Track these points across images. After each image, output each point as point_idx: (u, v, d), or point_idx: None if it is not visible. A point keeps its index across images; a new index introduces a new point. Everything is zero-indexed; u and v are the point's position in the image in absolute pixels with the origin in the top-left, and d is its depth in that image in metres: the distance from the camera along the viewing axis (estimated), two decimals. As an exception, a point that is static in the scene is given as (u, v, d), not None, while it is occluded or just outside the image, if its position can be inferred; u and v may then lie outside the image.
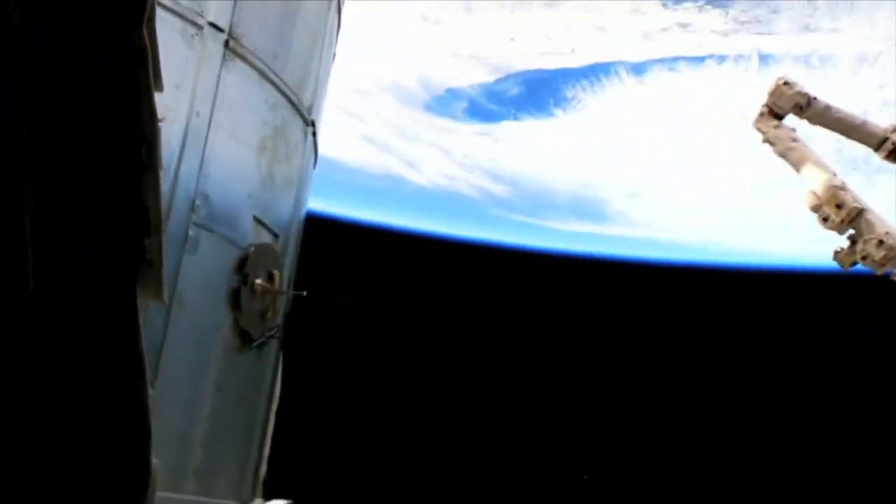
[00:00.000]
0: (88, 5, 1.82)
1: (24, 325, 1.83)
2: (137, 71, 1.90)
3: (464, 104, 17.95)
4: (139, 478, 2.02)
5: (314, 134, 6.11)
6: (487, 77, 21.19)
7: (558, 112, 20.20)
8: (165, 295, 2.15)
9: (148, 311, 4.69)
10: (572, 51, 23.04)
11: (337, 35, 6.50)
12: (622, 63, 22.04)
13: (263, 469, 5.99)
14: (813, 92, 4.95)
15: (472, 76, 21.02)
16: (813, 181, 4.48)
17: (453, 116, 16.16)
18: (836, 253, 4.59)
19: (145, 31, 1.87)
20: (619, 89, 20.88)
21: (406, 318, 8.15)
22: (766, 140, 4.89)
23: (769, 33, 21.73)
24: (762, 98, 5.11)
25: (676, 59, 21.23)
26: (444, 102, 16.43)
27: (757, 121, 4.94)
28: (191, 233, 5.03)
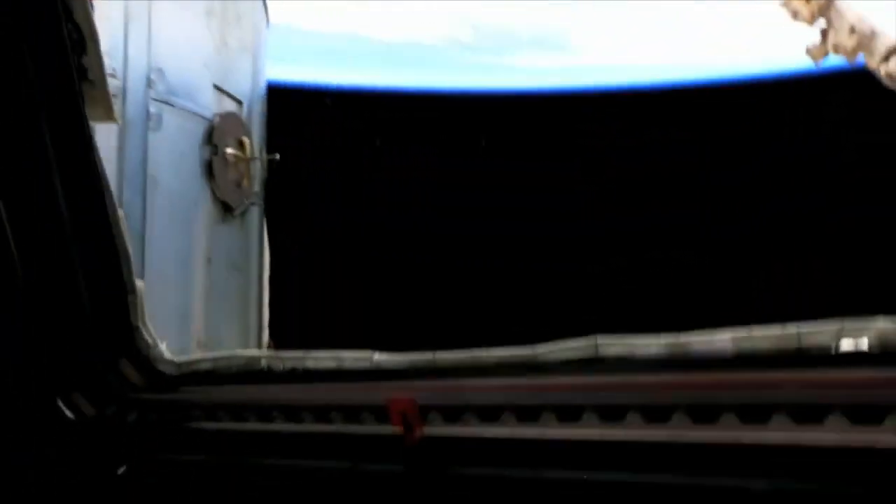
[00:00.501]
0: None
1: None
2: None
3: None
4: (119, 294, 2.07)
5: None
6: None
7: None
8: (116, 114, 2.13)
9: (124, 194, 4.72)
10: None
11: None
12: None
13: (266, 335, 6.18)
14: None
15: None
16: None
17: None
18: (808, 49, 4.54)
19: None
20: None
21: (381, 178, 8.17)
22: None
23: None
24: None
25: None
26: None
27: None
28: (151, 109, 4.97)
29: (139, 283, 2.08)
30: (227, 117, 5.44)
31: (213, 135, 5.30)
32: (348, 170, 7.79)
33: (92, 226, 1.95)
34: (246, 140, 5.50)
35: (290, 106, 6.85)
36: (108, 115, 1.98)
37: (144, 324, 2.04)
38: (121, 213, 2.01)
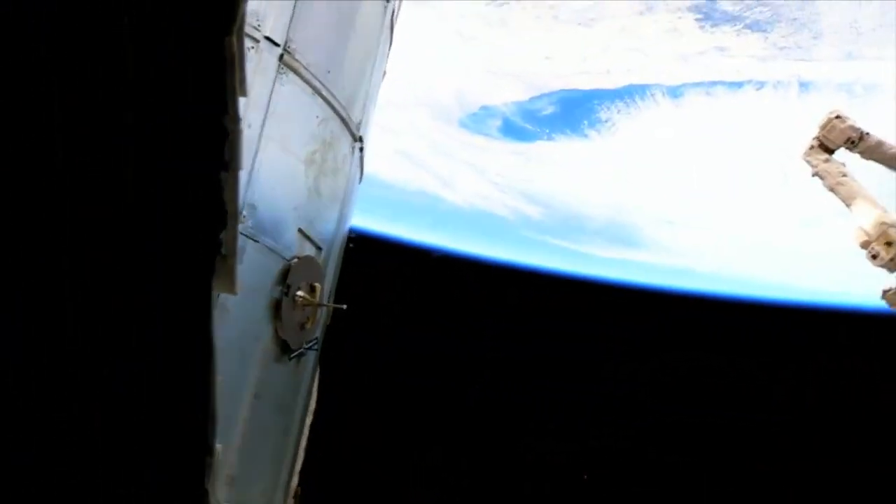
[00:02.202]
0: (185, 14, 1.97)
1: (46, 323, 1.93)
2: (226, 76, 2.04)
3: (498, 122, 18.09)
4: (199, 460, 2.13)
5: (361, 150, 6.25)
6: (522, 95, 21.25)
7: (592, 133, 20.23)
8: (237, 286, 2.29)
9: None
10: (608, 71, 23.10)
11: (388, 53, 6.65)
12: (658, 85, 22.05)
13: (295, 481, 6.11)
14: (863, 125, 5.00)
15: (506, 94, 21.07)
16: (863, 217, 4.50)
17: (487, 134, 16.28)
18: (886, 292, 4.60)
19: (235, 40, 2.02)
20: (654, 112, 20.86)
21: (435, 336, 8.26)
22: (816, 174, 4.93)
23: (810, 59, 21.56)
24: (803, 126, 5.15)
25: (714, 83, 21.19)
26: (479, 120, 16.58)
27: (806, 154, 4.98)
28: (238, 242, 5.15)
29: (218, 447, 2.15)
30: (305, 261, 5.61)
31: (288, 275, 5.45)
32: (408, 326, 7.93)
33: (189, 385, 2.06)
34: (318, 286, 5.65)
35: (360, 254, 7.11)
36: (231, 289, 2.14)
37: (213, 489, 2.09)
38: (219, 378, 2.11)
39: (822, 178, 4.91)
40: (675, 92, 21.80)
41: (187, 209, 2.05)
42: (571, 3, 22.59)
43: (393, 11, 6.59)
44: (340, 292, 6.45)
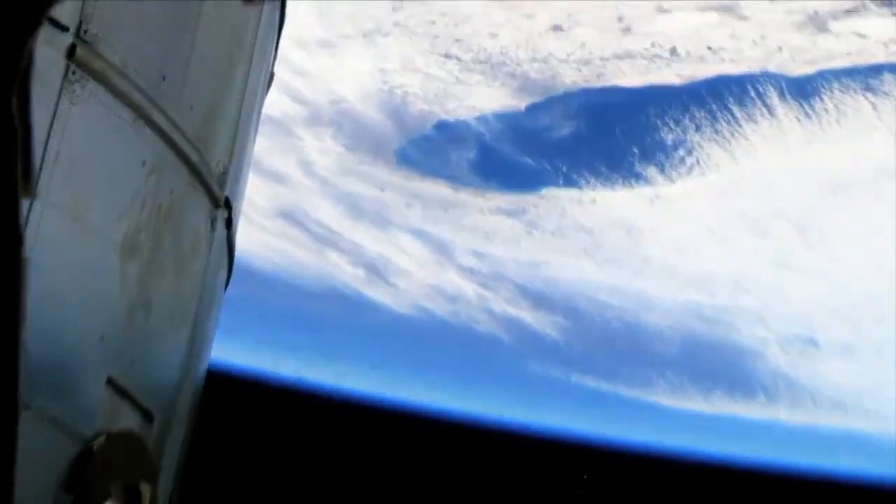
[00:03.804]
0: None
1: None
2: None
3: (470, 153, 18.17)
4: None
5: (229, 222, 6.20)
6: (512, 100, 21.45)
7: (651, 171, 20.37)
8: None
9: None
10: (672, 52, 23.47)
11: (277, 41, 6.63)
12: (772, 76, 22.49)
13: None
14: None
15: (482, 98, 21.21)
16: None
17: (450, 176, 16.28)
18: None
19: (15, 105, 2.19)
20: (768, 127, 21.14)
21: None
22: None
23: None
24: None
25: (879, 67, 21.60)
26: (434, 148, 16.71)
27: None
28: (-15, 411, 5.05)
29: None
30: (119, 441, 5.52)
31: (87, 472, 5.33)
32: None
33: None
34: (145, 488, 5.56)
35: (222, 406, 7.04)
36: None
37: None
38: None
39: None
40: (804, 86, 22.21)
41: None
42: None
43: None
44: (193, 486, 6.36)
